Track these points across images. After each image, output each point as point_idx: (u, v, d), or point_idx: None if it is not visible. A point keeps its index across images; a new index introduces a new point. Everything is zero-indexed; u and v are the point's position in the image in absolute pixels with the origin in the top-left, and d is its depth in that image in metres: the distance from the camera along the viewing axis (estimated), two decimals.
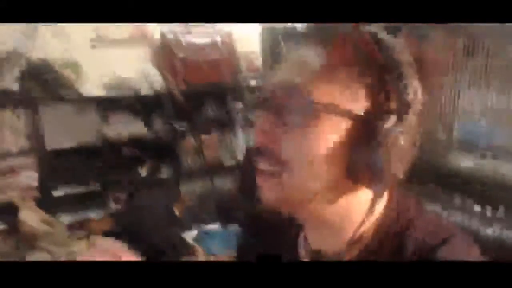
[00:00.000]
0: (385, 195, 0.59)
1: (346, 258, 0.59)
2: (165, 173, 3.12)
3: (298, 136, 0.53)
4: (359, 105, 0.52)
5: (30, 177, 2.68)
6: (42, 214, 2.55)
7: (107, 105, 2.94)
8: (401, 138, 0.52)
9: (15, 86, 2.65)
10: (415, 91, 0.53)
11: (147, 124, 3.05)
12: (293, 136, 0.54)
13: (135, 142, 3.02)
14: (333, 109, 0.52)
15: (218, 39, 3.21)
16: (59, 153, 2.77)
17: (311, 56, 0.54)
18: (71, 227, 2.77)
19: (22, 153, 2.67)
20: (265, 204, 0.58)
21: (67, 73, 2.71)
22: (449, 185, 1.41)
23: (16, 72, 2.66)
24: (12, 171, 2.63)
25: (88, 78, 2.85)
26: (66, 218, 2.80)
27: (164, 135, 3.07)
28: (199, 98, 3.23)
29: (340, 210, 0.58)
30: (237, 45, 3.29)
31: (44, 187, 2.73)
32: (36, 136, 2.68)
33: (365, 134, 0.52)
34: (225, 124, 3.30)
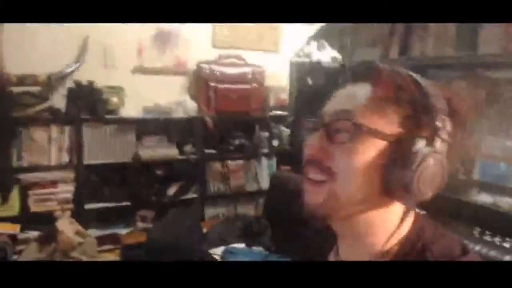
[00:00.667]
0: (412, 212, 0.67)
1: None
2: (192, 194, 3.27)
3: (344, 152, 0.63)
4: (396, 130, 0.62)
5: (68, 191, 2.86)
6: (78, 226, 2.69)
7: (143, 127, 3.13)
8: (430, 160, 0.60)
9: (63, 105, 2.86)
10: (443, 121, 0.61)
11: (179, 147, 3.22)
12: (340, 152, 0.63)
13: (166, 163, 3.19)
14: (374, 132, 0.62)
15: (249, 71, 3.40)
16: (95, 170, 2.96)
17: (359, 90, 0.66)
18: (100, 239, 2.90)
19: (62, 167, 2.85)
20: (307, 207, 0.66)
21: (111, 96, 2.90)
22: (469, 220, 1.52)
23: (64, 92, 2.88)
24: (53, 183, 2.81)
25: (129, 102, 3.05)
26: (96, 231, 2.95)
27: (194, 159, 3.23)
28: (228, 126, 3.42)
29: (372, 222, 0.65)
30: (267, 78, 3.48)
31: (78, 200, 2.90)
32: (76, 152, 2.86)
33: (399, 154, 0.61)
34: (251, 152, 3.45)
